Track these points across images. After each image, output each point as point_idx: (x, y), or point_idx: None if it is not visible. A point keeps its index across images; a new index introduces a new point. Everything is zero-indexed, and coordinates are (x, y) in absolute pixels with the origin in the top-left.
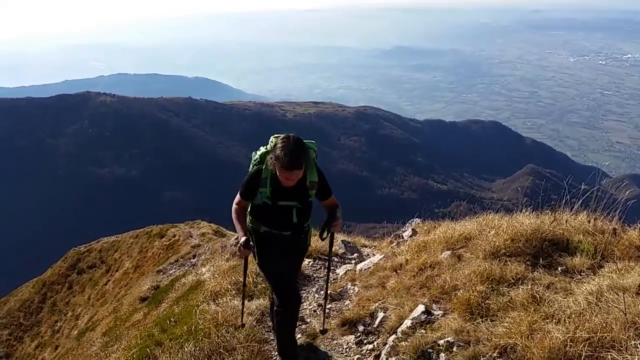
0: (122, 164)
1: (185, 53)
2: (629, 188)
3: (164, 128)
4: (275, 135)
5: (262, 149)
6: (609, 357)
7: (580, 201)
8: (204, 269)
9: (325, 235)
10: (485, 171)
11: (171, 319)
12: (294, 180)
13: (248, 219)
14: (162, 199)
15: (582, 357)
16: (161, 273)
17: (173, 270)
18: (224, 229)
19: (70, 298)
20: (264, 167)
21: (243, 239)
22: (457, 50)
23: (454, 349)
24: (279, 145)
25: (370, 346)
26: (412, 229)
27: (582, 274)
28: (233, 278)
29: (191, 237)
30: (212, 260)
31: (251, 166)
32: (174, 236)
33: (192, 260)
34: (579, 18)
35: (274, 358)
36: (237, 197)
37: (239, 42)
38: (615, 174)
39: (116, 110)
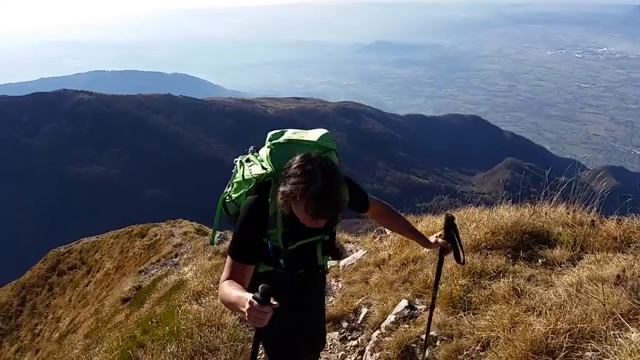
0: (101, 163)
1: (163, 49)
2: (606, 179)
3: (144, 125)
4: (274, 133)
5: (255, 164)
6: (589, 347)
7: (559, 193)
8: (186, 269)
9: (462, 257)
10: (466, 165)
11: (153, 319)
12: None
13: None
14: (143, 198)
15: (563, 348)
16: (143, 273)
17: (155, 270)
18: (206, 227)
19: (50, 300)
20: (270, 200)
21: (245, 296)
22: (437, 44)
23: (437, 343)
24: (299, 176)
25: (355, 342)
26: None
27: (562, 265)
28: (215, 277)
29: (173, 236)
30: (195, 259)
31: (232, 196)
32: (156, 235)
33: (174, 259)
34: (557, 12)
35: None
36: (227, 267)
37: (218, 38)
38: (593, 165)
39: (94, 107)
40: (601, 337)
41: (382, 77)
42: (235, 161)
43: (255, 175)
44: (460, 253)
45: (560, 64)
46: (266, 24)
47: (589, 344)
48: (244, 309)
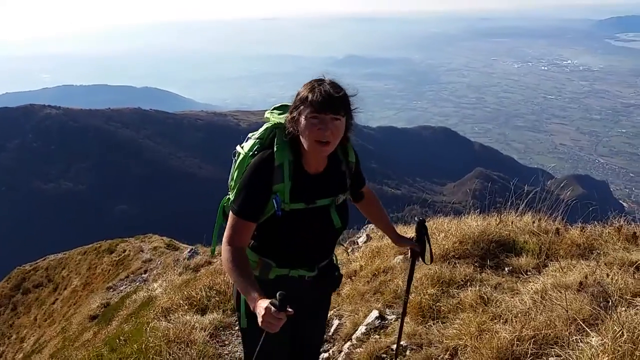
0: (68, 178)
1: (135, 62)
2: (571, 188)
3: (112, 140)
4: (275, 106)
5: (250, 139)
6: (553, 353)
7: (525, 202)
8: (155, 284)
9: (430, 258)
10: (437, 175)
11: (121, 337)
12: (330, 136)
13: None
14: (112, 214)
15: (528, 355)
16: (111, 290)
17: (124, 286)
18: (177, 242)
19: (14, 320)
20: (276, 149)
21: (261, 303)
22: (408, 58)
23: (407, 352)
24: (303, 89)
25: (326, 354)
26: (367, 235)
27: (528, 273)
28: (185, 293)
29: (142, 251)
30: (164, 274)
31: (238, 162)
32: (124, 251)
33: (143, 275)
34: (523, 26)
35: None
36: (230, 227)
37: (191, 51)
38: (560, 174)
39: (61, 122)
40: (564, 342)
41: (355, 89)
42: (234, 152)
43: (258, 136)
44: (428, 254)
45: (526, 76)
46: (241, 38)
47: (552, 350)
48: (259, 314)
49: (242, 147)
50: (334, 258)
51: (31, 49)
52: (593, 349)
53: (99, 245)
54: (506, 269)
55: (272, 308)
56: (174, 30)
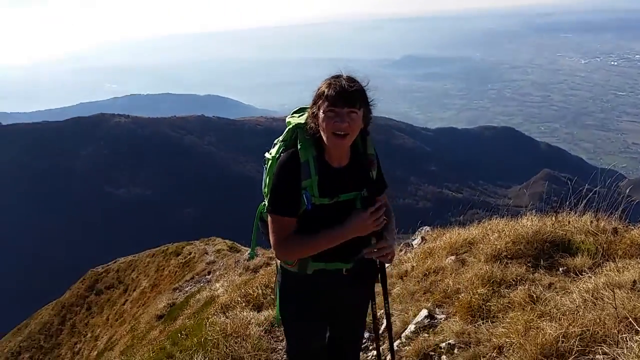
0: (137, 184)
1: (194, 71)
2: None
3: (178, 146)
4: (294, 110)
5: (275, 144)
6: (600, 350)
7: (584, 202)
8: (217, 285)
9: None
10: (501, 177)
11: (182, 332)
12: (348, 128)
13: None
14: (178, 217)
15: (574, 352)
16: (177, 290)
17: (189, 287)
18: (239, 245)
19: (89, 319)
20: (299, 147)
21: (353, 218)
22: (467, 57)
23: (455, 350)
24: (322, 84)
25: (375, 352)
26: (422, 237)
27: (583, 273)
28: (243, 291)
29: (206, 254)
30: (226, 275)
31: (268, 168)
32: (190, 254)
33: (207, 276)
34: (588, 19)
35: None
36: (272, 230)
37: (249, 59)
38: (633, 175)
39: (130, 130)
40: (613, 341)
41: (412, 91)
42: (264, 160)
43: (282, 139)
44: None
45: (594, 73)
46: (293, 43)
47: (600, 348)
48: (365, 222)
49: (270, 154)
50: None
51: (101, 61)
52: None
53: (166, 248)
54: (560, 269)
55: (363, 214)
56: (225, 40)
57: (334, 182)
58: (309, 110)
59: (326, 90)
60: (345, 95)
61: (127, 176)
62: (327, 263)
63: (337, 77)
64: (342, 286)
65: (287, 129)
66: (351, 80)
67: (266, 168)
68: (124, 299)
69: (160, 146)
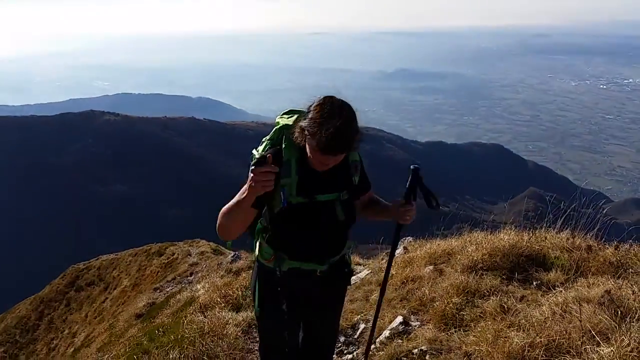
0: (124, 182)
1: (188, 73)
2: (631, 212)
3: (167, 147)
4: (284, 112)
5: (278, 124)
6: None
7: (562, 219)
8: (199, 286)
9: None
10: (487, 194)
11: (160, 329)
12: (333, 164)
13: (259, 248)
14: (163, 218)
15: None
16: (158, 290)
17: (170, 287)
18: (223, 248)
19: (67, 315)
20: (284, 147)
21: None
22: (459, 73)
23: (427, 357)
24: (315, 112)
25: (350, 356)
26: (404, 247)
27: (555, 288)
28: (224, 292)
29: (190, 255)
30: (208, 277)
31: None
32: (173, 254)
33: (189, 277)
34: (581, 42)
35: None
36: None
37: (242, 64)
38: (618, 198)
39: (120, 129)
40: (576, 352)
41: (404, 104)
42: (251, 157)
43: (269, 137)
44: (432, 198)
45: (584, 95)
46: (290, 52)
47: (564, 358)
48: (248, 182)
49: (256, 150)
50: (348, 258)
51: (94, 59)
52: (601, 358)
53: (149, 247)
54: (534, 282)
55: (257, 167)
56: (220, 43)
57: (313, 183)
58: (298, 119)
59: (317, 133)
60: (334, 147)
61: (113, 174)
62: (302, 263)
63: (331, 117)
64: (315, 286)
65: (274, 129)
66: (345, 124)
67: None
68: (103, 297)
69: (149, 146)
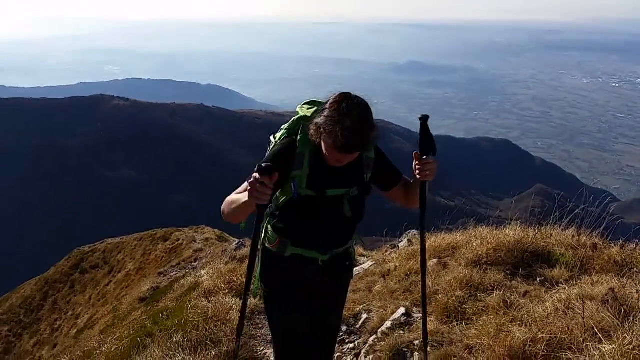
0: (132, 167)
1: (199, 60)
2: (638, 212)
3: (175, 133)
4: (306, 102)
5: (297, 114)
6: (564, 356)
7: (569, 217)
8: (203, 272)
9: (418, 172)
10: (494, 189)
11: (164, 312)
12: (347, 161)
13: (265, 232)
14: (170, 203)
15: (540, 356)
16: (162, 275)
17: (174, 272)
18: (228, 235)
19: (71, 297)
20: (299, 139)
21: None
22: (470, 67)
23: (428, 349)
24: (332, 110)
25: (352, 345)
26: (408, 240)
27: (559, 285)
28: (228, 278)
29: (194, 241)
30: (212, 263)
31: (270, 148)
32: (178, 240)
33: (193, 263)
34: (594, 40)
35: (259, 353)
36: (239, 190)
37: (254, 52)
38: (626, 197)
39: (128, 114)
40: (577, 348)
41: (413, 97)
42: (269, 142)
43: (287, 127)
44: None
45: (595, 93)
46: (301, 41)
47: (564, 354)
48: (249, 185)
49: (274, 137)
50: (352, 251)
51: (106, 43)
52: (605, 356)
53: (154, 232)
54: (538, 278)
55: (256, 174)
56: (232, 31)
57: (324, 178)
58: (316, 119)
59: (333, 132)
60: (350, 146)
61: (121, 159)
62: (304, 250)
63: (348, 113)
64: (318, 276)
65: (292, 119)
66: (361, 123)
67: (269, 150)
68: (108, 280)
69: (157, 131)
